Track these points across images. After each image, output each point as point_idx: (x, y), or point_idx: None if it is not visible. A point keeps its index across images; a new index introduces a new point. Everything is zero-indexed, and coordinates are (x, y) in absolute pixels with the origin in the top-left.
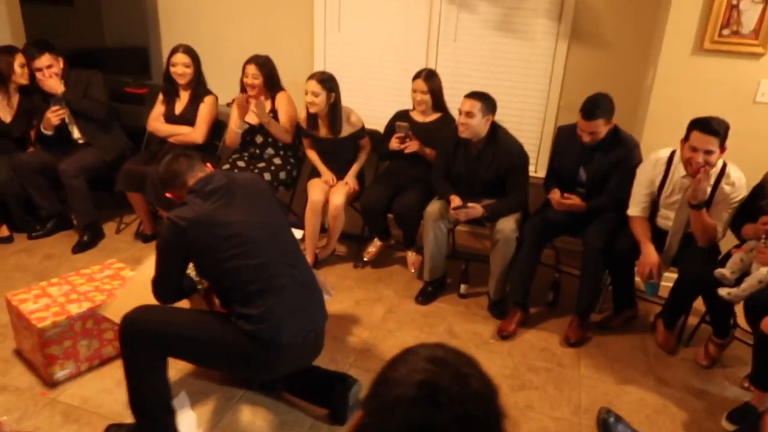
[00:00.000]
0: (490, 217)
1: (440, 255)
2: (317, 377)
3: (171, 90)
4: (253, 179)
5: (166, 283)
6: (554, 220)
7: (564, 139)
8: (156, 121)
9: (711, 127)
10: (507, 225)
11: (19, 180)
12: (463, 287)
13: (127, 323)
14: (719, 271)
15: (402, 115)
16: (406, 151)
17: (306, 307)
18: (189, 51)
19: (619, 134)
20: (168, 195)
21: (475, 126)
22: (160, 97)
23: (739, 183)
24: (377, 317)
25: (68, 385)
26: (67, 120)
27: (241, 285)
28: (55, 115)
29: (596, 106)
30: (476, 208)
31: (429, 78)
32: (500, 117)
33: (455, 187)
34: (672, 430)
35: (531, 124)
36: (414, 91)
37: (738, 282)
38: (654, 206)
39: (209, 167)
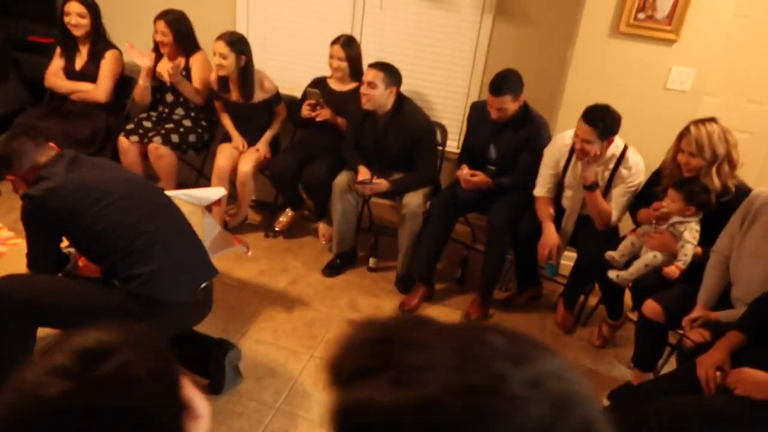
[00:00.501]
0: (396, 192)
1: (349, 227)
2: (196, 342)
3: (69, 43)
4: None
5: (39, 260)
6: (463, 196)
7: (476, 115)
8: (54, 77)
9: (591, 118)
10: (413, 200)
11: None
12: (371, 261)
13: None
14: (609, 253)
15: (318, 82)
16: (317, 119)
17: (194, 262)
18: (84, 0)
19: (529, 112)
20: (9, 178)
21: (378, 97)
22: (58, 50)
23: (636, 168)
24: (279, 288)
25: None
26: None
27: (122, 246)
28: None
29: (504, 82)
30: (381, 183)
31: (347, 44)
32: (425, 90)
33: (366, 160)
34: None
35: (455, 98)
36: (331, 57)
37: (628, 265)
38: (560, 187)
39: (54, 147)
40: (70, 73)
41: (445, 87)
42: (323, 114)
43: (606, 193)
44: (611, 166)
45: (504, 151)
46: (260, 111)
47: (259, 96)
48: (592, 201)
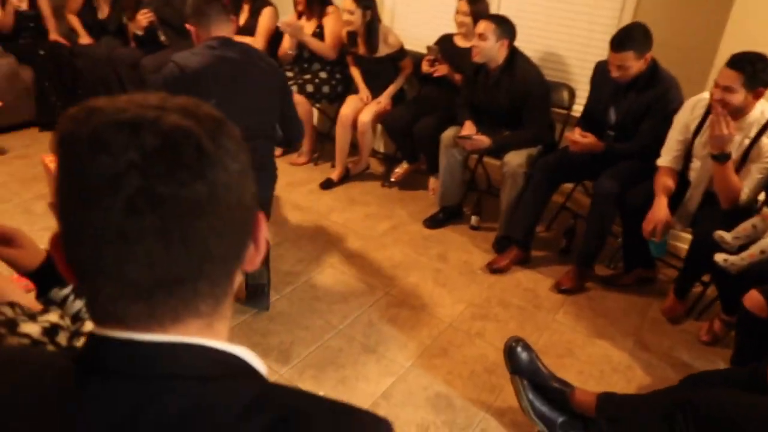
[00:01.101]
0: (498, 149)
1: (453, 182)
2: None
3: (235, 2)
4: (269, 71)
5: None
6: (575, 160)
7: (599, 74)
8: None
9: (737, 60)
10: (514, 159)
11: (113, 70)
12: (474, 219)
13: None
14: (719, 233)
15: (444, 39)
16: (434, 74)
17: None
18: None
19: (657, 72)
20: (188, 26)
21: (488, 50)
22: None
23: None
24: (378, 231)
25: None
26: (155, 23)
27: None
28: (144, 18)
29: (627, 36)
30: (482, 139)
31: (473, 0)
32: (561, 50)
33: (476, 116)
34: (622, 388)
35: (593, 60)
36: (457, 12)
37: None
38: (688, 157)
39: (230, 31)
40: (237, 28)
41: (583, 48)
42: (440, 70)
43: (740, 168)
44: (752, 133)
45: (624, 115)
46: (385, 65)
47: (383, 50)
48: (719, 175)
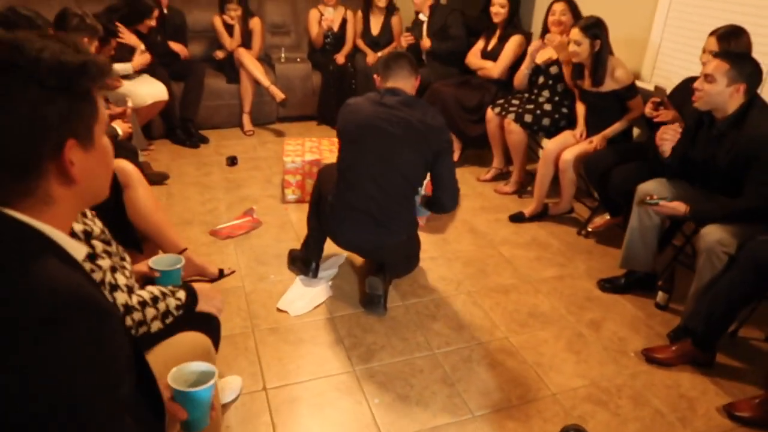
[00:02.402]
0: (696, 220)
1: (644, 246)
2: None
3: (491, 28)
4: (422, 128)
5: None
6: None
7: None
8: (472, 56)
9: None
10: (714, 233)
11: None
12: (660, 296)
13: None
14: None
15: (688, 81)
16: (656, 120)
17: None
18: None
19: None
20: (375, 76)
21: (715, 95)
22: (483, 34)
23: None
24: (540, 276)
25: None
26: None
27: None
28: (405, 39)
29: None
30: (675, 207)
31: (725, 36)
32: None
33: (689, 176)
34: None
35: None
36: (703, 51)
37: None
38: None
39: (416, 81)
40: (483, 53)
41: None
42: (664, 116)
43: None
44: None
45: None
46: (609, 101)
47: (609, 85)
48: None
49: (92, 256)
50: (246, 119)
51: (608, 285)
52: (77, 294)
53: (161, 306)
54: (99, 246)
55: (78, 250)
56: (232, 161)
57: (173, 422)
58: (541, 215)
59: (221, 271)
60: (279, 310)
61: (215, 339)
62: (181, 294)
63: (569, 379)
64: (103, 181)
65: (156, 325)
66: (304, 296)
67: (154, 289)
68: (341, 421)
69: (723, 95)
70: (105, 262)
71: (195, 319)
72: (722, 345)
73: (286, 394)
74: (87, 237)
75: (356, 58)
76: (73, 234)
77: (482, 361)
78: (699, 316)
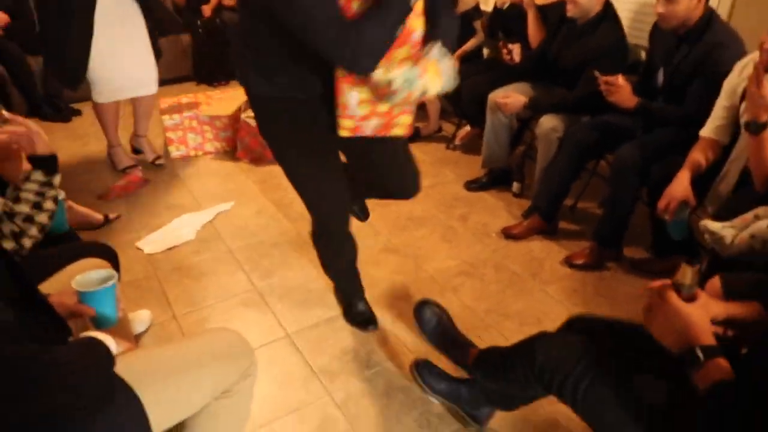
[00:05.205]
0: (534, 110)
1: (499, 145)
2: None
3: None
4: None
5: None
6: (614, 127)
7: (656, 31)
8: None
9: None
10: (548, 122)
11: None
12: (515, 186)
13: None
14: (704, 222)
15: None
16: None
17: None
18: None
19: (713, 22)
20: None
21: (680, 12)
22: None
23: None
24: None
25: None
26: None
27: None
28: None
29: None
30: (516, 99)
31: None
32: None
33: (538, 75)
34: None
35: None
36: None
37: None
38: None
39: None
40: None
41: None
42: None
43: None
44: None
45: (672, 75)
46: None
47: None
48: (752, 148)
49: None
50: None
51: (473, 185)
52: None
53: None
54: None
55: None
56: None
57: (83, 323)
58: (413, 138)
59: (106, 216)
60: (137, 248)
61: (114, 267)
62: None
63: (443, 262)
64: None
65: (39, 222)
66: (165, 237)
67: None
68: (249, 328)
69: (689, 8)
70: None
71: (92, 249)
72: (565, 216)
73: (196, 317)
74: None
75: (222, 13)
76: None
77: (369, 261)
78: (542, 194)
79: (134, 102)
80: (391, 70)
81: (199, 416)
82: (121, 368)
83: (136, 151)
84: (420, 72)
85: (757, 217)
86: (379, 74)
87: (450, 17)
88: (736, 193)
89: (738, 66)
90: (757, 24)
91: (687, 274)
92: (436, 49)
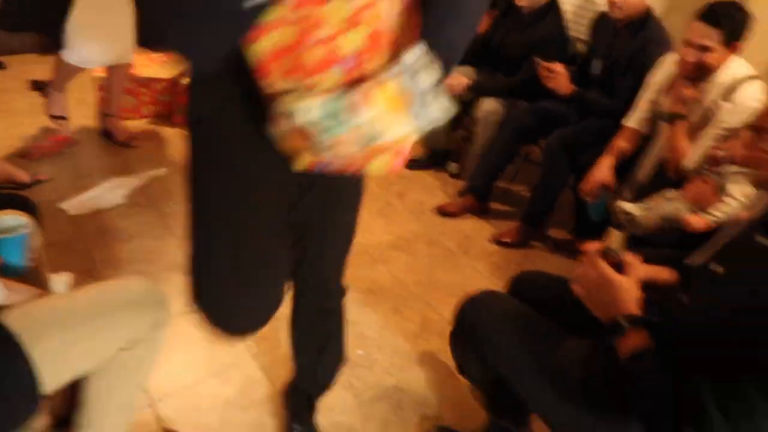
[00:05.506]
0: (476, 93)
1: (439, 126)
2: None
3: None
4: None
5: None
6: (551, 113)
7: (599, 24)
8: None
9: (711, 14)
10: (488, 104)
11: None
12: (453, 165)
13: None
14: (620, 203)
15: None
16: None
17: None
18: None
19: (649, 19)
20: None
21: (632, 2)
22: None
23: (743, 107)
24: None
25: None
26: None
27: None
28: None
29: None
30: (458, 81)
31: None
32: None
33: (480, 59)
34: None
35: None
36: None
37: None
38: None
39: None
40: None
41: None
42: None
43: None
44: (716, 96)
45: (609, 67)
46: None
47: None
48: (669, 136)
49: None
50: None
51: (413, 164)
52: None
53: None
54: None
55: None
56: (38, 86)
57: None
58: None
59: (34, 177)
60: (61, 209)
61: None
62: None
63: (378, 236)
64: None
65: None
66: (92, 199)
67: None
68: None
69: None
70: None
71: (8, 201)
72: (497, 198)
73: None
74: None
75: None
76: None
77: None
78: (478, 174)
79: (110, 73)
80: (303, 98)
81: (103, 366)
82: (13, 316)
83: (107, 134)
84: (355, 103)
85: (667, 199)
86: (284, 102)
87: (458, 20)
88: (651, 181)
89: (661, 63)
90: (685, 25)
91: (615, 238)
92: (405, 66)
